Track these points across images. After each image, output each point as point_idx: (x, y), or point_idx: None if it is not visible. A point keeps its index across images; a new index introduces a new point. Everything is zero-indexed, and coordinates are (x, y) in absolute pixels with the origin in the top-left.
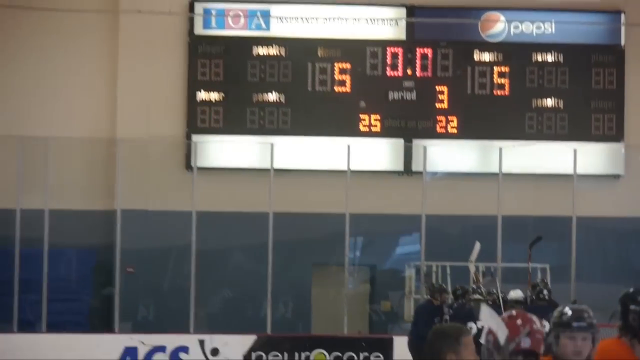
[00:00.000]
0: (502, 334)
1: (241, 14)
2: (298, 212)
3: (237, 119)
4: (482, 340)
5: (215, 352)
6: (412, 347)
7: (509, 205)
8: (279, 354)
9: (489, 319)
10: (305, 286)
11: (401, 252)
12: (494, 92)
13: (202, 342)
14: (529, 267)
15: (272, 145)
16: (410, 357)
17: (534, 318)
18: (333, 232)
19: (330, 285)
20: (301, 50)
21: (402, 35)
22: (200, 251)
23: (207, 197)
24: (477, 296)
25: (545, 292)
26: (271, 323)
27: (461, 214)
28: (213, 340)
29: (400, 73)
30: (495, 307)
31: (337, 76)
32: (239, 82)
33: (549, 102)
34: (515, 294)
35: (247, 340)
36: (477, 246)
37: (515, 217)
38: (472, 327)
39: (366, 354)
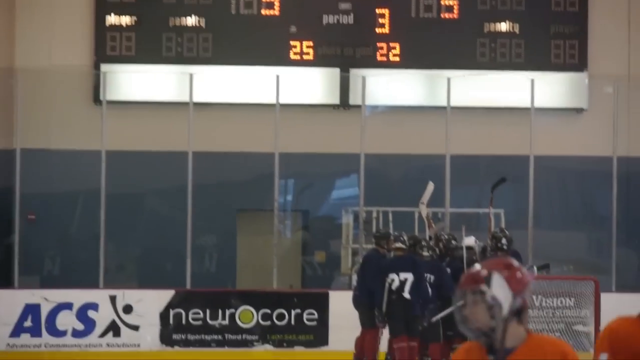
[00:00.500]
0: (505, 293)
1: None
2: (221, 152)
3: (151, 46)
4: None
5: (128, 309)
6: (358, 303)
7: (458, 143)
8: (200, 312)
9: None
10: (229, 235)
11: (337, 197)
12: (442, 15)
13: (113, 299)
14: (491, 213)
15: (191, 75)
16: (354, 314)
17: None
18: (260, 173)
19: (257, 233)
20: None
21: None
22: (111, 195)
23: (119, 135)
24: (425, 253)
25: (504, 240)
26: (191, 277)
27: (405, 153)
28: (125, 296)
29: None
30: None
31: None
32: (154, 4)
33: (503, 26)
34: (469, 240)
35: (164, 296)
36: (431, 187)
37: (465, 157)
38: (394, 279)
39: (299, 310)
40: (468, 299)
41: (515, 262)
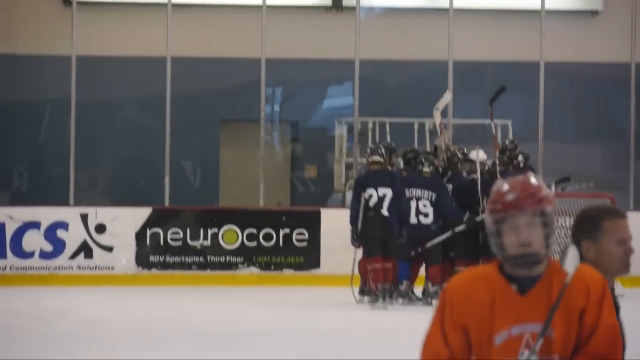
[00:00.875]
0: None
1: None
2: (202, 57)
3: None
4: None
5: (101, 228)
6: (356, 222)
7: (462, 48)
8: (180, 231)
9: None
10: (212, 148)
11: (330, 106)
12: None
13: (84, 217)
14: (493, 127)
15: None
16: (348, 234)
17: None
18: (246, 81)
19: (242, 146)
20: None
21: None
22: (83, 105)
23: (90, 39)
24: (426, 168)
25: (520, 157)
26: (170, 193)
27: (403, 59)
28: (98, 214)
29: None
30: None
31: None
32: None
33: None
34: (481, 154)
35: (140, 214)
36: (448, 95)
37: (469, 63)
38: (372, 194)
39: (287, 230)
40: (521, 220)
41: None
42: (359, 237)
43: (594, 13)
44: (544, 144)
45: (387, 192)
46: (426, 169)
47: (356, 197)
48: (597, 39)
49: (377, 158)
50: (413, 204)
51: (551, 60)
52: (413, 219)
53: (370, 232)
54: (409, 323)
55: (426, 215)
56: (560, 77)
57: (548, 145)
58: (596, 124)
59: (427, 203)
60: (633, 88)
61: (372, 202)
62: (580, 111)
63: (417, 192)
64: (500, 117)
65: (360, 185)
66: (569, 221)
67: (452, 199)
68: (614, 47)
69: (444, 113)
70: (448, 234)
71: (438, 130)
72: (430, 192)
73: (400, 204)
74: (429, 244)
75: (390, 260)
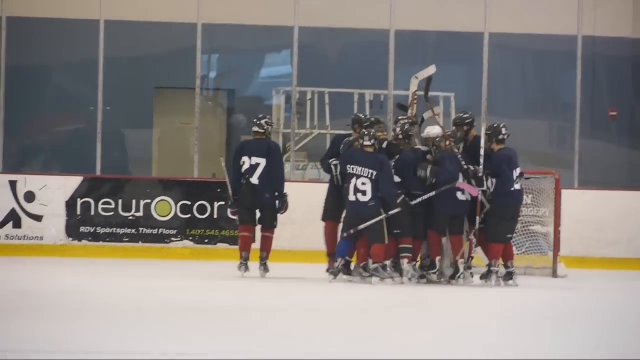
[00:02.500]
0: None
1: None
2: (135, 21)
3: None
4: None
5: (30, 197)
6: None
7: (404, 17)
8: (112, 202)
9: None
10: (145, 116)
11: (267, 75)
12: None
13: (13, 185)
14: (433, 113)
15: None
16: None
17: None
18: (180, 47)
19: (177, 114)
20: None
21: None
22: (11, 68)
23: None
24: (367, 142)
25: (504, 130)
26: (102, 162)
27: (344, 27)
28: (27, 182)
29: None
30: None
31: None
32: None
33: None
34: (434, 130)
35: (70, 183)
36: (432, 69)
37: (412, 33)
38: (245, 161)
39: (222, 203)
40: None
41: None
42: (233, 204)
43: None
44: (487, 118)
45: (261, 162)
46: (367, 143)
47: (233, 164)
48: (544, 10)
49: (255, 128)
50: (353, 181)
51: (496, 31)
52: (352, 197)
53: (242, 200)
54: (337, 299)
55: (364, 193)
56: (505, 48)
57: (492, 119)
58: (542, 98)
59: (367, 181)
60: (580, 62)
61: (244, 169)
62: (525, 85)
63: (357, 169)
64: (443, 90)
65: (237, 153)
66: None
67: (390, 177)
68: (561, 19)
69: (382, 84)
70: (383, 216)
71: (409, 98)
72: (369, 170)
73: (274, 175)
74: (362, 227)
75: (268, 230)
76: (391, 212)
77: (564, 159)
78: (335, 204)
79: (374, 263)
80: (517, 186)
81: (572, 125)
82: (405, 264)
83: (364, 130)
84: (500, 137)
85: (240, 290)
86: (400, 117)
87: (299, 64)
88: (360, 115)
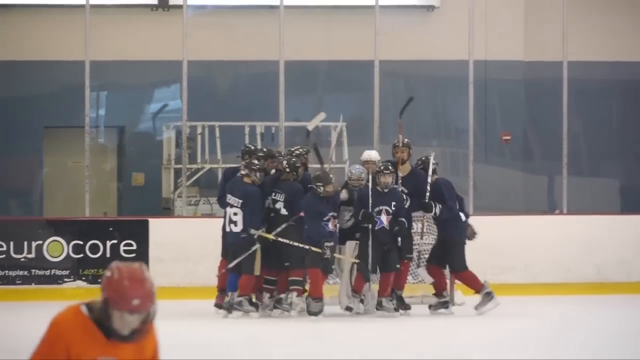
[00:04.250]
0: None
1: None
2: (23, 60)
3: None
4: None
5: None
6: None
7: (294, 47)
8: (3, 244)
9: None
10: (35, 156)
11: (157, 110)
12: None
13: None
14: (401, 139)
15: None
16: (177, 244)
17: None
18: (69, 85)
19: (67, 154)
20: None
21: None
22: None
23: None
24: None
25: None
26: None
27: (233, 60)
28: None
29: None
30: None
31: None
32: None
33: None
34: (372, 154)
35: None
36: (322, 116)
37: (302, 63)
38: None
39: (115, 241)
40: (129, 318)
41: None
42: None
43: (430, 8)
44: (380, 146)
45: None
46: (243, 172)
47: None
48: (434, 36)
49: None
50: (228, 211)
51: (386, 59)
52: (227, 227)
53: None
54: (231, 334)
55: (235, 223)
56: (396, 75)
57: (384, 147)
58: (433, 124)
59: (238, 211)
60: (471, 86)
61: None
62: (417, 111)
63: (231, 199)
64: (334, 120)
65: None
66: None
67: (252, 210)
68: (451, 44)
69: (273, 116)
70: (254, 248)
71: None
72: (239, 200)
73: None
74: (235, 262)
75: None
76: (252, 248)
77: (458, 185)
78: None
79: (239, 295)
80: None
81: (465, 151)
82: (294, 296)
83: (245, 161)
84: (433, 166)
85: None
86: (291, 149)
87: (189, 97)
88: (250, 146)
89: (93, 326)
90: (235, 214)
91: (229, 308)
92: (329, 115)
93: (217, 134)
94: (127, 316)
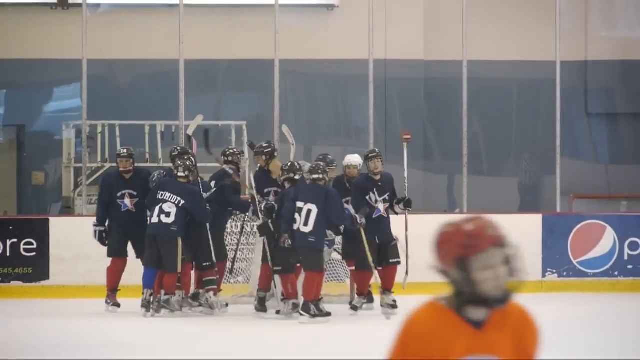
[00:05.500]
0: None
1: None
2: None
3: None
4: None
5: None
6: None
7: (194, 45)
8: None
9: None
10: None
11: (57, 109)
12: None
13: None
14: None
15: None
16: (77, 243)
17: None
18: None
19: None
20: None
21: None
22: None
23: None
24: (180, 174)
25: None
26: None
27: (133, 59)
28: None
29: None
30: None
31: None
32: None
33: None
34: (354, 159)
35: None
36: (199, 118)
37: (201, 62)
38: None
39: (15, 240)
40: (493, 257)
41: None
42: None
43: (330, 7)
44: (280, 145)
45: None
46: (181, 174)
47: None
48: (334, 34)
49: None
50: (158, 207)
51: (286, 58)
52: (155, 219)
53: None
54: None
55: (168, 215)
56: (296, 75)
57: (284, 146)
58: (334, 123)
59: (173, 206)
60: (371, 85)
61: None
62: (317, 110)
63: (165, 195)
64: (234, 119)
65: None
66: None
67: (202, 204)
68: (351, 43)
69: (173, 115)
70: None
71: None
72: (178, 198)
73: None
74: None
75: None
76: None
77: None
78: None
79: (165, 294)
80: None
81: (365, 150)
82: (212, 296)
83: (178, 161)
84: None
85: (35, 328)
86: (226, 149)
87: (88, 96)
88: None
89: (456, 317)
90: (169, 207)
91: (157, 308)
92: (229, 113)
93: (118, 133)
94: (492, 259)
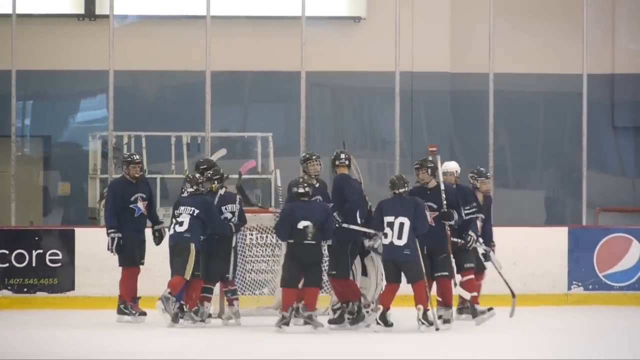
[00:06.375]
0: None
1: None
2: None
3: None
4: None
5: None
6: None
7: (220, 57)
8: None
9: None
10: None
11: (83, 120)
12: None
13: None
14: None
15: None
16: (102, 254)
17: None
18: None
19: None
20: None
21: None
22: None
23: None
24: (189, 189)
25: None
26: None
27: (159, 70)
28: None
29: None
30: None
31: None
32: None
33: None
34: (451, 165)
35: None
36: (222, 152)
37: (228, 73)
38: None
39: (41, 251)
40: None
41: None
42: None
43: (357, 19)
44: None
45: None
46: (190, 189)
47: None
48: (361, 47)
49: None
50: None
51: (313, 70)
52: (171, 230)
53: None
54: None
55: (181, 224)
56: (322, 86)
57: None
58: (360, 135)
59: (187, 216)
60: (398, 98)
61: None
62: (343, 122)
63: (181, 208)
64: (261, 130)
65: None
66: None
67: (215, 214)
68: (377, 55)
69: (199, 126)
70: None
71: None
72: (192, 208)
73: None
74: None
75: None
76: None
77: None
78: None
79: (168, 293)
80: None
81: (391, 162)
82: (206, 305)
83: (188, 175)
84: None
85: (59, 339)
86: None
87: (115, 107)
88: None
89: None
90: (183, 218)
91: (186, 317)
92: (256, 125)
93: (144, 144)
94: None
